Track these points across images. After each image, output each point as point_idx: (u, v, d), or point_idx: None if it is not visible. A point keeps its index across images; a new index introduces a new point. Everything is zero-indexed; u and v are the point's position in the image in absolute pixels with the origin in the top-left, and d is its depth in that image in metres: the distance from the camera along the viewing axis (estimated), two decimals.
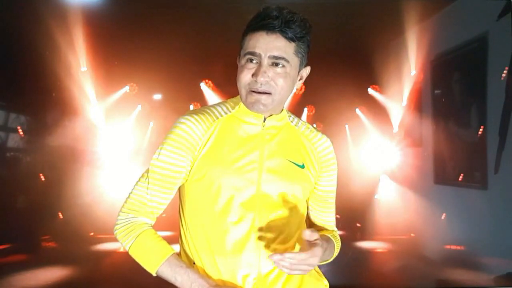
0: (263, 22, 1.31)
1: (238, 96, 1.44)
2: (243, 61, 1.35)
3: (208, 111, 1.40)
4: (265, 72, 1.32)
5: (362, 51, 3.93)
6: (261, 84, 1.32)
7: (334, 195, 1.55)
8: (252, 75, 1.33)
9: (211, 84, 4.07)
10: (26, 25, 3.58)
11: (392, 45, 4.05)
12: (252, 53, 1.32)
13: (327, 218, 1.56)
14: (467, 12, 3.87)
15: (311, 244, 1.27)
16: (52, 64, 3.65)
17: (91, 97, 3.80)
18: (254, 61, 1.33)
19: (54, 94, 3.72)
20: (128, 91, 3.93)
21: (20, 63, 3.63)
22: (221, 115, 1.40)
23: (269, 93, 1.34)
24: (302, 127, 1.49)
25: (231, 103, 1.44)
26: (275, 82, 1.33)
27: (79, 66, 3.75)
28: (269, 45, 1.31)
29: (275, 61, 1.32)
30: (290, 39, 1.32)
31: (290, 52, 1.33)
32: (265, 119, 1.40)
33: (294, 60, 1.35)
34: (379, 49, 3.95)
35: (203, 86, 4.08)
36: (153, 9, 3.77)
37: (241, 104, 1.41)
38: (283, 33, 1.31)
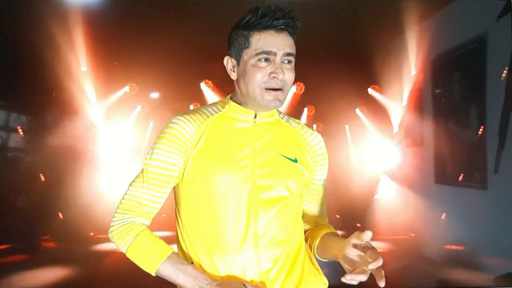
0: (272, 22, 1.36)
1: (227, 97, 1.48)
2: (252, 61, 1.37)
3: (199, 111, 1.43)
4: (282, 70, 1.36)
5: (362, 51, 3.92)
6: (278, 82, 1.36)
7: (324, 187, 1.58)
8: (270, 74, 1.36)
9: (211, 84, 4.07)
10: (26, 25, 3.58)
11: (392, 45, 4.05)
12: (267, 52, 1.36)
13: (320, 212, 1.58)
14: (467, 12, 3.87)
15: (365, 248, 1.25)
16: (52, 64, 3.65)
17: (91, 97, 3.80)
18: (267, 60, 1.36)
19: (54, 94, 3.72)
20: (128, 91, 3.93)
21: (20, 63, 3.63)
22: (212, 114, 1.43)
23: (282, 89, 1.38)
24: (293, 124, 1.51)
25: (221, 103, 1.47)
26: (286, 78, 1.38)
27: (79, 66, 3.75)
28: (282, 43, 1.37)
29: (288, 58, 1.38)
30: (293, 35, 1.40)
31: (294, 48, 1.40)
32: (255, 115, 1.42)
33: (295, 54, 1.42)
34: (379, 49, 3.95)
35: (203, 86, 4.07)
36: (153, 9, 3.77)
37: (231, 103, 1.44)
38: (289, 30, 1.38)
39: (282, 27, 1.36)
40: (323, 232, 1.49)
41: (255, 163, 1.38)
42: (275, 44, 1.35)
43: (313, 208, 1.56)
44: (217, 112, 1.44)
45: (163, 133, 1.40)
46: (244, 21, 1.38)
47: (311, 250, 1.52)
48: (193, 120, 1.39)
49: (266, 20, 1.36)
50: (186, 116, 1.40)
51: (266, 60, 1.36)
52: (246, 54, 1.38)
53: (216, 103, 1.49)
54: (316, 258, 1.53)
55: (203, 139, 1.39)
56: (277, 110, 1.51)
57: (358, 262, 1.25)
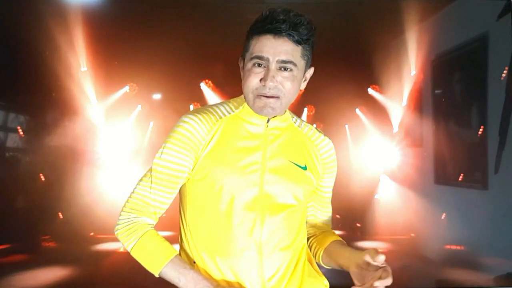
0: (270, 26, 1.30)
1: (242, 96, 1.44)
2: (249, 65, 1.34)
3: (212, 110, 1.40)
4: (273, 76, 1.31)
5: (362, 51, 3.93)
6: (269, 89, 1.31)
7: (331, 194, 1.57)
8: (261, 80, 1.32)
9: (211, 84, 4.07)
10: (26, 25, 3.58)
11: (392, 45, 4.04)
12: (260, 57, 1.31)
13: (326, 218, 1.58)
14: (467, 12, 3.86)
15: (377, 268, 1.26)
16: (52, 64, 3.65)
17: (91, 97, 3.80)
18: (261, 65, 1.32)
19: (54, 94, 3.72)
20: (128, 91, 3.93)
21: (20, 63, 3.63)
22: (224, 115, 1.40)
23: (277, 97, 1.33)
24: (305, 129, 1.49)
25: (235, 103, 1.44)
26: (283, 86, 1.33)
27: (79, 66, 3.75)
28: (277, 49, 1.30)
29: (283, 65, 1.31)
30: (297, 42, 1.32)
31: (297, 56, 1.33)
32: (268, 120, 1.40)
33: (301, 63, 1.35)
34: (379, 49, 3.94)
35: (203, 86, 4.07)
36: (153, 9, 3.77)
37: (245, 105, 1.41)
38: (290, 36, 1.30)
39: (283, 32, 1.29)
40: (329, 240, 1.49)
41: (264, 169, 1.36)
42: (269, 49, 1.30)
43: (319, 214, 1.56)
44: (230, 113, 1.41)
45: (174, 131, 1.37)
46: (252, 24, 1.35)
47: (314, 256, 1.51)
48: (205, 120, 1.36)
49: (265, 24, 1.31)
50: (198, 115, 1.37)
51: (260, 65, 1.32)
52: (246, 58, 1.36)
53: (229, 102, 1.45)
54: (317, 264, 1.53)
55: (215, 140, 1.36)
56: (290, 114, 1.48)
57: (367, 277, 1.25)
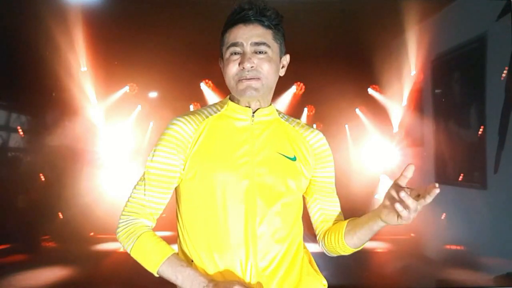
0: (239, 15, 1.40)
1: (227, 97, 1.50)
2: (226, 55, 1.41)
3: (198, 112, 1.46)
4: (250, 58, 1.37)
5: (362, 51, 3.93)
6: (248, 71, 1.37)
7: (334, 185, 1.56)
8: (239, 64, 1.38)
9: (211, 84, 4.07)
10: (26, 25, 3.58)
11: (392, 45, 4.05)
12: (235, 44, 1.39)
13: (335, 208, 1.55)
14: (467, 12, 3.87)
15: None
16: (52, 64, 3.65)
17: (91, 97, 3.80)
18: (237, 53, 1.39)
19: (54, 94, 3.72)
20: (128, 91, 3.93)
21: (20, 63, 3.63)
22: (211, 114, 1.45)
23: (258, 78, 1.38)
24: (293, 123, 1.52)
25: (220, 104, 1.49)
26: (261, 67, 1.39)
27: (79, 66, 3.75)
28: (249, 33, 1.39)
29: (257, 48, 1.38)
30: (267, 27, 1.40)
31: (269, 38, 1.41)
32: (253, 114, 1.43)
33: (274, 46, 1.42)
34: (379, 49, 3.95)
35: (203, 86, 4.07)
36: (153, 9, 3.77)
37: (229, 103, 1.46)
38: (260, 21, 1.40)
39: (252, 18, 1.38)
40: (347, 220, 1.47)
41: (253, 161, 1.39)
42: (242, 35, 1.39)
43: (326, 205, 1.54)
44: (216, 112, 1.46)
45: (163, 134, 1.42)
46: (224, 24, 1.44)
47: (337, 243, 1.46)
48: (192, 121, 1.42)
49: (235, 16, 1.41)
50: (185, 117, 1.43)
51: (237, 53, 1.39)
52: (223, 52, 1.44)
53: (216, 104, 1.51)
54: (316, 256, 1.53)
55: (202, 138, 1.41)
56: (277, 110, 1.51)
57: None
